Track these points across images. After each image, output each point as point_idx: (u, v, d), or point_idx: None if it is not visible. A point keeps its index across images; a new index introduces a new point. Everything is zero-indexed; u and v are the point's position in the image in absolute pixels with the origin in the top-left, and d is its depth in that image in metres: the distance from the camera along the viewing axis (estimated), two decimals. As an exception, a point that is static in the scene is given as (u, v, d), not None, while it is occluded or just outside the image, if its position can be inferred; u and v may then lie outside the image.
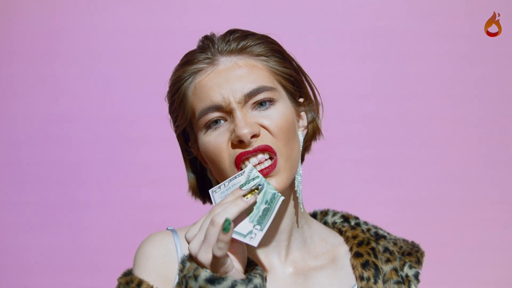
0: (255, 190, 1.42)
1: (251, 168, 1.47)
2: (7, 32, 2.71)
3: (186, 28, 2.68)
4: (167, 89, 1.63)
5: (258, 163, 1.50)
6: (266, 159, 1.50)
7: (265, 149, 1.50)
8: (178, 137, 1.65)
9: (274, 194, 1.43)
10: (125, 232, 2.69)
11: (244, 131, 1.48)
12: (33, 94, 2.72)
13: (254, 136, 1.50)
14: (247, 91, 1.51)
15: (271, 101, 1.53)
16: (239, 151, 1.49)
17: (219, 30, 1.63)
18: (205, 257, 1.38)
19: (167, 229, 1.63)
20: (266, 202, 1.42)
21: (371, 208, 2.65)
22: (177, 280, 1.51)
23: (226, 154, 1.51)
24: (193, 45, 1.64)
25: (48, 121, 2.73)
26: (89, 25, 2.72)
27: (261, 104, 1.52)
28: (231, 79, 1.52)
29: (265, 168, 1.49)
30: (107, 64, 2.73)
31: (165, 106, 1.66)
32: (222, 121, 1.52)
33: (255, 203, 1.43)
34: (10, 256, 2.73)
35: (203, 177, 1.66)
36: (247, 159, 1.50)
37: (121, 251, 2.64)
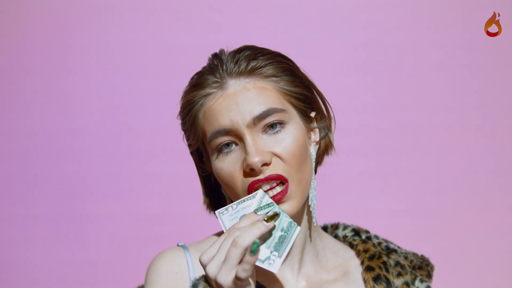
0: (275, 216, 1.44)
1: (262, 194, 1.49)
2: (21, 47, 2.70)
3: (197, 44, 2.68)
4: (176, 103, 1.64)
5: (270, 189, 1.51)
6: (277, 184, 1.51)
7: (276, 178, 1.50)
8: (192, 154, 1.66)
9: (290, 222, 1.45)
10: (134, 245, 2.69)
11: (255, 160, 1.49)
12: (43, 108, 2.72)
13: (265, 164, 1.50)
14: (256, 113, 1.51)
15: (281, 123, 1.53)
16: (251, 179, 1.50)
17: (228, 45, 1.61)
18: (225, 279, 1.39)
19: (178, 245, 1.63)
20: (282, 230, 1.45)
21: (377, 218, 2.66)
22: None
23: (239, 182, 1.52)
24: (203, 60, 1.63)
25: (57, 135, 2.72)
26: (101, 41, 2.72)
27: (271, 126, 1.52)
28: (240, 103, 1.52)
29: (277, 194, 1.50)
30: (116, 78, 2.73)
31: (173, 119, 1.66)
32: (233, 145, 1.53)
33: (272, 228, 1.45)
34: (18, 269, 2.72)
35: (218, 192, 1.66)
36: (260, 186, 1.50)
37: (129, 264, 2.65)
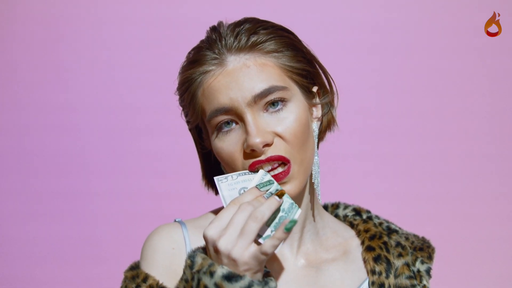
0: (284, 193, 1.42)
1: (264, 173, 1.46)
2: (13, 19, 2.68)
3: (193, 18, 2.66)
4: (175, 79, 1.60)
5: (271, 169, 1.48)
6: (279, 165, 1.48)
7: (278, 159, 1.47)
8: (191, 130, 1.62)
9: (291, 204, 1.43)
10: (133, 222, 2.68)
11: (256, 141, 1.45)
12: (40, 83, 2.70)
13: (267, 145, 1.47)
14: (257, 91, 1.47)
15: (283, 101, 1.49)
16: (252, 160, 1.47)
17: (227, 17, 1.58)
18: (241, 254, 1.35)
19: (175, 221, 1.59)
20: (282, 210, 1.42)
21: (372, 202, 2.64)
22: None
23: (239, 163, 1.49)
24: (200, 35, 1.60)
25: (57, 111, 2.71)
26: (96, 14, 2.70)
27: (272, 104, 1.48)
28: (240, 80, 1.47)
29: (279, 174, 1.47)
30: (115, 53, 2.71)
31: (173, 96, 1.63)
32: (233, 124, 1.49)
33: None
34: (18, 245, 2.71)
35: (218, 169, 1.62)
36: (261, 167, 1.47)
37: (128, 242, 2.64)
